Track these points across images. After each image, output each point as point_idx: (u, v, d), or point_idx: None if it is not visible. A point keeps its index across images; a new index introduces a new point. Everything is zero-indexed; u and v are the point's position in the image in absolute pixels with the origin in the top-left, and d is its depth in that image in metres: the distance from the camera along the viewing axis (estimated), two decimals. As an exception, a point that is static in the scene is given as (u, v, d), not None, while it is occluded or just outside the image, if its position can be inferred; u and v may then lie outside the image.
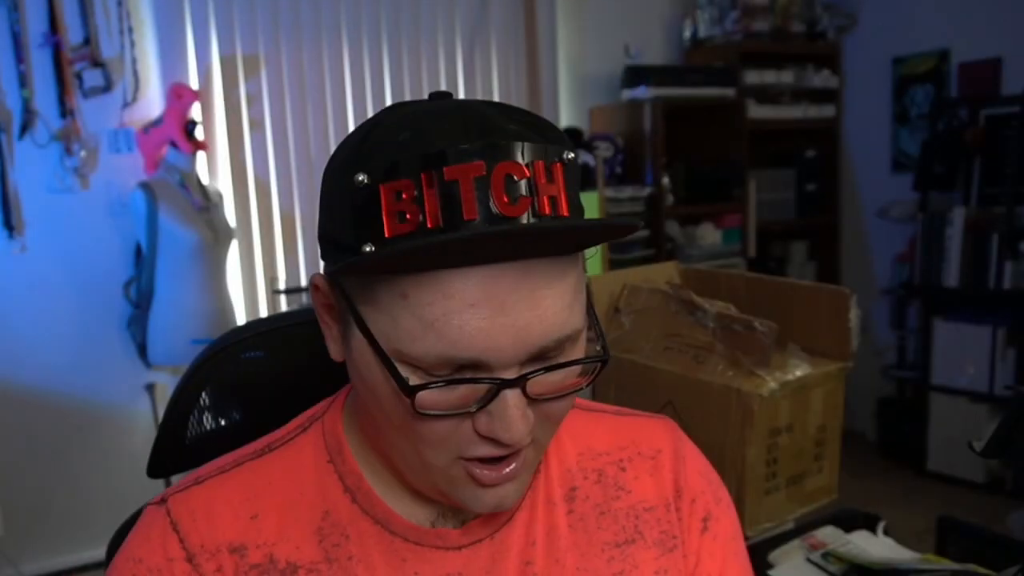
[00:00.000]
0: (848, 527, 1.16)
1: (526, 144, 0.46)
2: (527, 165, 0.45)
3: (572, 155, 0.48)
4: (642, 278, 1.32)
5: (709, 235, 3.21)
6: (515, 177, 0.45)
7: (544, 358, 0.48)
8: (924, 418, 3.17)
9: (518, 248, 0.45)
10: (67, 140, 2.44)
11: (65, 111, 2.44)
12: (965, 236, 3.01)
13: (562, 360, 0.48)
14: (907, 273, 3.32)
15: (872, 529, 1.15)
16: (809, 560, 1.08)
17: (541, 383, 0.48)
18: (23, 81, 2.39)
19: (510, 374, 0.46)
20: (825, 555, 1.08)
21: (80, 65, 2.45)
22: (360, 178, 0.46)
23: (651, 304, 1.25)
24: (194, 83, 2.64)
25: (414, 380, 0.46)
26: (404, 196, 0.44)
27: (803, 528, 1.15)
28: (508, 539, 0.57)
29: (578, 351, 0.50)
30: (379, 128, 0.48)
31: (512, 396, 0.46)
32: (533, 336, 0.46)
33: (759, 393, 1.07)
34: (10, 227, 2.43)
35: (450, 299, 0.44)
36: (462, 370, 0.46)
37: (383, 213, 0.45)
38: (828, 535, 1.13)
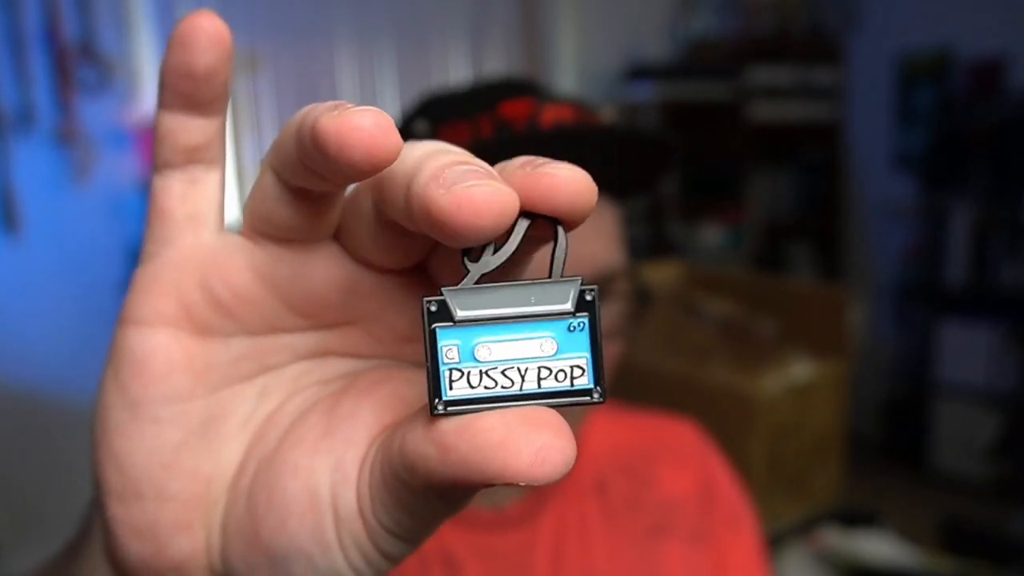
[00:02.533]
0: (849, 527, 1.15)
1: (570, 98, 0.52)
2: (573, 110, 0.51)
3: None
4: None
5: (710, 234, 3.20)
6: (563, 117, 0.50)
7: None
8: (926, 418, 3.16)
9: (566, 154, 0.48)
10: (66, 139, 2.44)
11: (64, 110, 2.44)
12: (969, 235, 3.00)
13: (608, 298, 0.52)
14: (910, 272, 3.31)
15: (873, 529, 1.15)
16: (810, 560, 1.07)
17: None
18: (21, 80, 2.39)
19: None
20: (826, 555, 1.07)
21: (79, 63, 2.45)
22: (418, 126, 0.50)
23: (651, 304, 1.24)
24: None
25: None
26: (460, 135, 0.49)
27: (804, 528, 1.15)
28: (540, 526, 0.58)
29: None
30: (431, 98, 0.54)
31: None
32: (584, 265, 0.49)
33: (759, 393, 1.06)
34: (9, 226, 2.43)
35: None
36: None
37: None
38: (829, 535, 1.12)
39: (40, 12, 2.39)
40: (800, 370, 1.14)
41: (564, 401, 0.19)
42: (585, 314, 0.19)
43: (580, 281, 0.19)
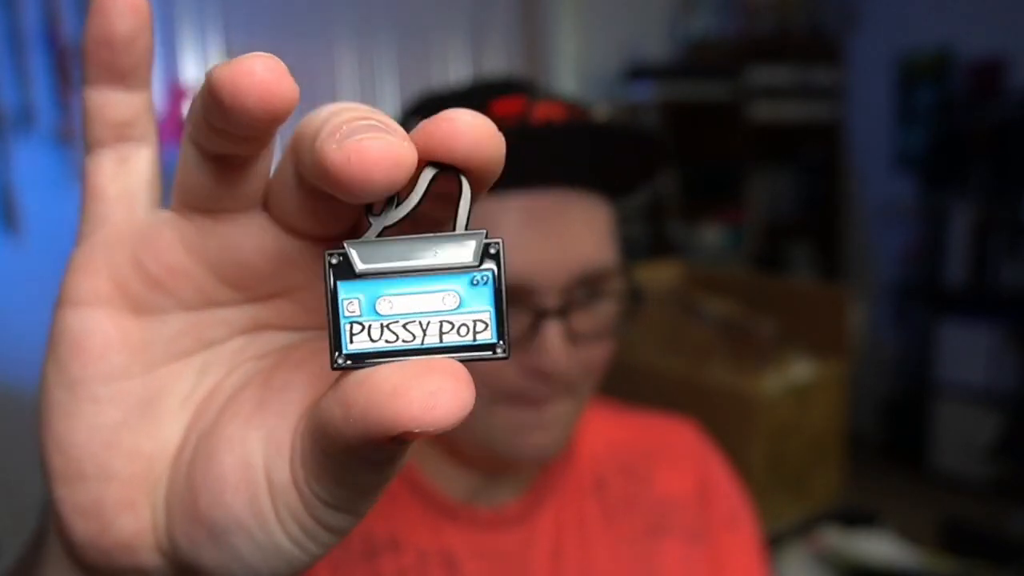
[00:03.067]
0: (849, 527, 1.15)
1: (562, 96, 0.51)
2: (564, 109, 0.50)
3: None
4: (642, 278, 1.31)
5: (710, 234, 3.20)
6: (554, 114, 0.49)
7: (584, 290, 0.50)
8: (926, 418, 3.16)
9: (557, 151, 0.48)
10: (66, 138, 2.45)
11: (64, 110, 2.44)
12: (969, 235, 3.00)
13: (601, 298, 0.52)
14: (910, 272, 3.31)
15: (873, 529, 1.15)
16: (810, 560, 1.07)
17: (581, 320, 0.50)
18: (21, 79, 2.39)
19: (551, 303, 0.48)
20: (826, 555, 1.07)
21: (79, 63, 2.44)
22: (412, 124, 0.49)
23: (651, 304, 1.25)
24: (194, 81, 2.64)
25: None
26: None
27: (804, 528, 1.15)
28: (539, 525, 0.58)
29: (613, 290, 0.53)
30: (423, 98, 0.53)
31: (555, 326, 0.48)
32: (575, 261, 0.49)
33: (759, 393, 1.06)
34: (9, 226, 2.43)
35: (496, 224, 0.48)
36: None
37: None
38: (829, 535, 1.13)
39: (40, 12, 2.40)
40: (800, 370, 1.14)
41: (466, 356, 0.18)
42: (489, 267, 0.18)
43: (485, 234, 0.18)
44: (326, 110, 0.19)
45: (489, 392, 0.50)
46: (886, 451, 3.42)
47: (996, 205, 2.99)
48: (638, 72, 3.06)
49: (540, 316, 0.48)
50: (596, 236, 0.50)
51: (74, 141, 2.45)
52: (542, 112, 0.49)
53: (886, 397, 3.50)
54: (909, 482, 3.13)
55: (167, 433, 0.23)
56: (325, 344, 0.22)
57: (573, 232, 0.49)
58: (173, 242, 0.22)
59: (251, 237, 0.22)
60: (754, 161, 3.29)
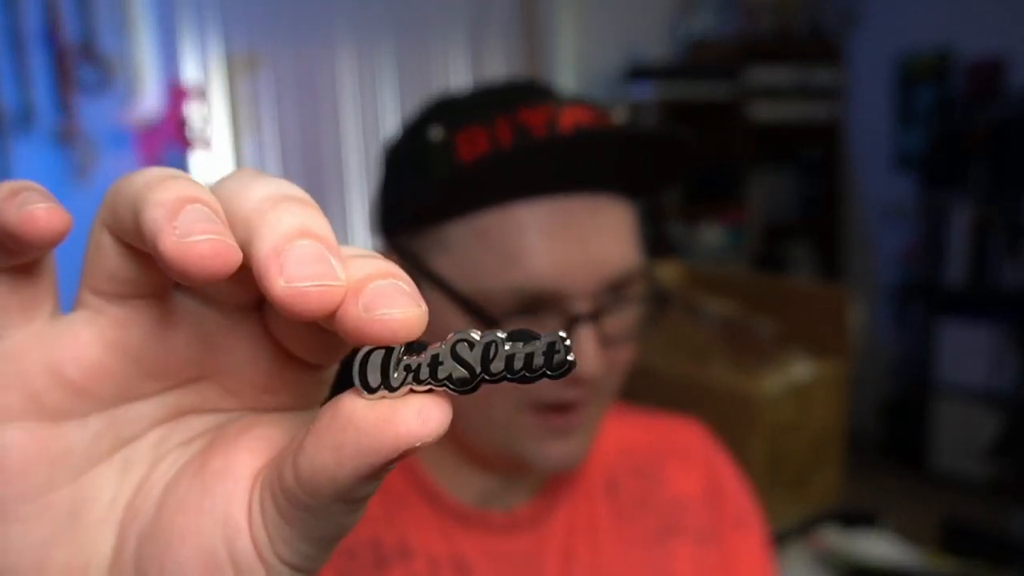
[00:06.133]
0: (849, 527, 1.15)
1: (584, 99, 0.51)
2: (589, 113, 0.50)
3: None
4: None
5: (710, 234, 3.20)
6: (581, 119, 0.49)
7: (612, 294, 0.50)
8: (926, 418, 3.16)
9: (588, 157, 0.48)
10: (66, 139, 2.44)
11: (64, 110, 2.44)
12: (969, 235, 3.00)
13: (623, 304, 0.51)
14: (910, 272, 3.31)
15: (873, 529, 1.15)
16: (810, 560, 1.07)
17: (610, 324, 0.50)
18: (21, 80, 2.39)
19: (583, 307, 0.48)
20: (826, 555, 1.07)
21: (79, 64, 2.45)
22: (434, 132, 0.49)
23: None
24: (194, 82, 2.64)
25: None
26: (479, 141, 0.48)
27: (804, 528, 1.15)
28: (551, 527, 0.58)
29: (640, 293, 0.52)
30: (443, 102, 0.52)
31: (587, 330, 0.48)
32: (605, 266, 0.48)
33: (759, 393, 1.06)
34: (10, 226, 2.43)
35: (526, 230, 0.47)
36: (539, 304, 0.48)
37: (459, 154, 0.48)
38: (829, 535, 1.13)
39: (40, 12, 2.39)
40: (800, 370, 1.14)
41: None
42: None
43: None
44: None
45: (515, 398, 0.50)
46: (886, 451, 3.42)
47: (995, 205, 2.99)
48: (638, 72, 3.06)
49: (573, 321, 0.48)
50: (624, 240, 0.50)
51: (74, 141, 2.45)
52: (568, 118, 0.48)
53: (886, 397, 3.50)
54: (909, 482, 3.13)
55: (100, 541, 0.22)
56: (254, 419, 0.23)
57: (602, 237, 0.48)
58: (92, 342, 0.21)
59: (174, 319, 0.21)
60: (754, 161, 3.30)
